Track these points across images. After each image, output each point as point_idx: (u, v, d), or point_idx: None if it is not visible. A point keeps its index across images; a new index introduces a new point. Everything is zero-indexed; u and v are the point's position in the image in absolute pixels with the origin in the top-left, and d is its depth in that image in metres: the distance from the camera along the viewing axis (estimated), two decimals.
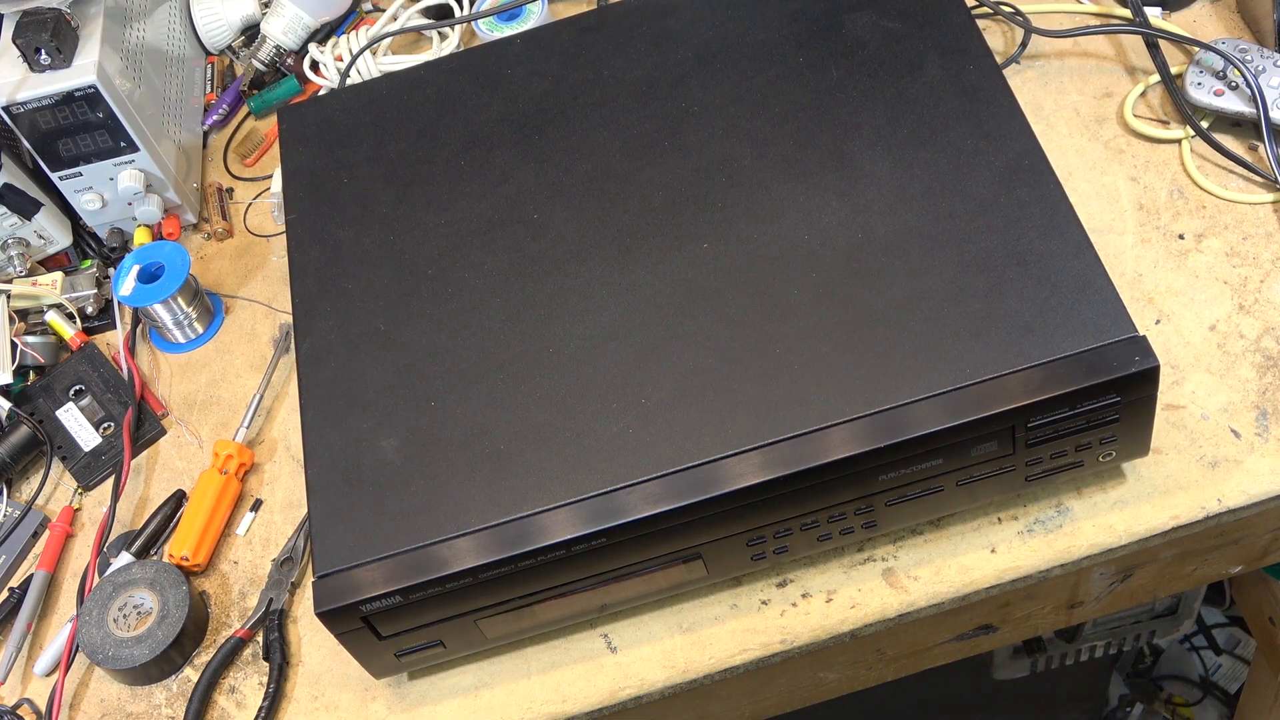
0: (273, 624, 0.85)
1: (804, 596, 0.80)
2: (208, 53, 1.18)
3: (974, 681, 1.57)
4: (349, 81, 1.08)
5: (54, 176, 1.01)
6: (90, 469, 0.96)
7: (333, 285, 0.83)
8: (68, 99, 0.95)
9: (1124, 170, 0.92)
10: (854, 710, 1.44)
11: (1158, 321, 0.85)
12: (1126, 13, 0.97)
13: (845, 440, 0.70)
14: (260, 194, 1.09)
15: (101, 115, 0.97)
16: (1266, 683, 1.29)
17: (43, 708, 0.86)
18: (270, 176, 1.09)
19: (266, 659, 0.84)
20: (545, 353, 0.77)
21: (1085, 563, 0.79)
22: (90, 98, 0.96)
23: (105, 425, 0.97)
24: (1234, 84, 0.91)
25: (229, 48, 1.17)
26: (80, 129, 0.98)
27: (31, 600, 0.90)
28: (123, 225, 1.06)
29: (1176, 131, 0.93)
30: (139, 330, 1.02)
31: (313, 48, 1.13)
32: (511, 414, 0.75)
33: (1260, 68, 0.91)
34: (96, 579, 0.88)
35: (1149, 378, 0.70)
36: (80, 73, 0.95)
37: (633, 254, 0.79)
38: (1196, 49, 0.94)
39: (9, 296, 1.01)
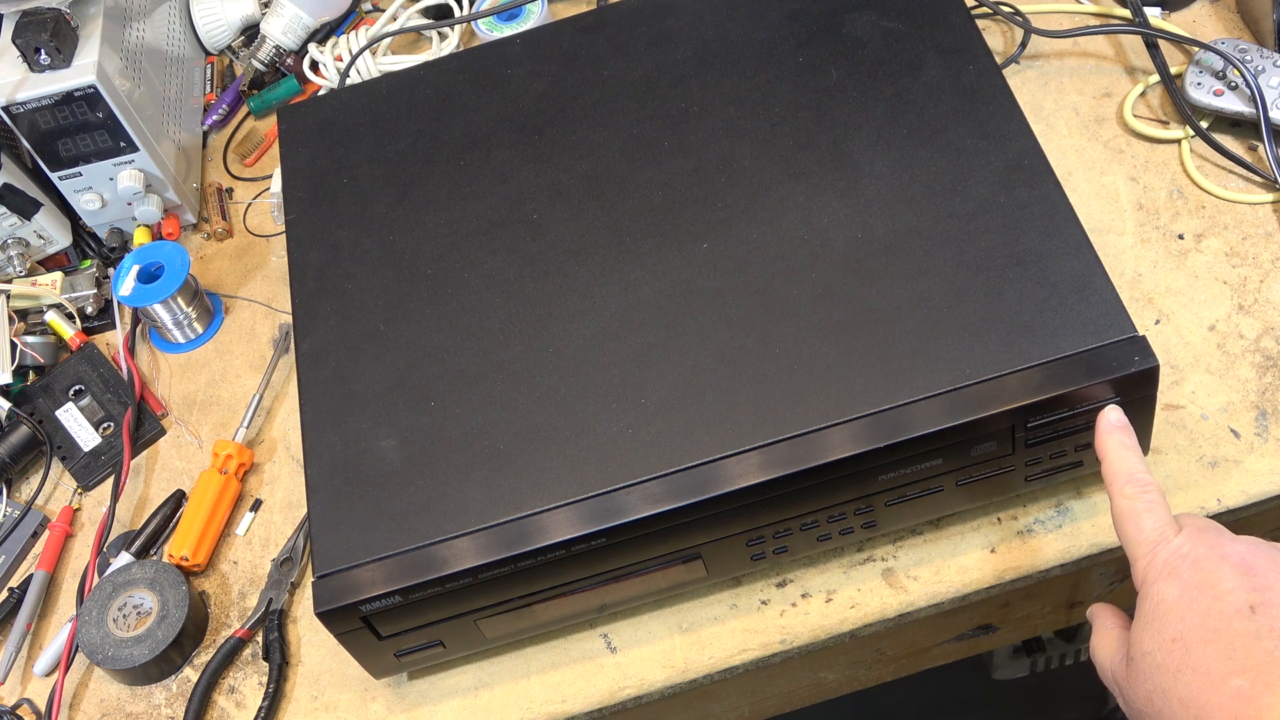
0: (272, 624, 0.85)
1: (804, 596, 0.80)
2: (207, 53, 1.18)
3: (974, 681, 1.58)
4: (349, 81, 1.08)
5: (54, 176, 1.01)
6: (90, 469, 0.96)
7: (332, 285, 0.83)
8: (67, 99, 0.95)
9: (1123, 170, 0.92)
10: (854, 710, 1.44)
11: (1157, 321, 0.85)
12: (1126, 13, 0.97)
13: (845, 440, 0.70)
14: (260, 194, 1.09)
15: (101, 115, 0.97)
16: None
17: (42, 708, 0.86)
18: (270, 176, 1.09)
19: (266, 659, 0.84)
20: (545, 353, 0.77)
21: (1085, 563, 0.79)
22: (90, 98, 0.96)
23: (105, 425, 0.97)
24: (1234, 84, 0.91)
25: (229, 48, 1.17)
26: (80, 129, 0.98)
27: (31, 600, 0.90)
28: (122, 225, 1.06)
29: (1176, 131, 0.93)
30: (139, 330, 1.02)
31: (312, 48, 1.13)
32: (511, 414, 0.75)
33: (1260, 68, 0.91)
34: (96, 579, 0.88)
35: (1149, 378, 0.70)
36: (80, 73, 0.95)
37: (632, 254, 0.79)
38: (1196, 49, 0.94)
39: (9, 296, 1.01)
